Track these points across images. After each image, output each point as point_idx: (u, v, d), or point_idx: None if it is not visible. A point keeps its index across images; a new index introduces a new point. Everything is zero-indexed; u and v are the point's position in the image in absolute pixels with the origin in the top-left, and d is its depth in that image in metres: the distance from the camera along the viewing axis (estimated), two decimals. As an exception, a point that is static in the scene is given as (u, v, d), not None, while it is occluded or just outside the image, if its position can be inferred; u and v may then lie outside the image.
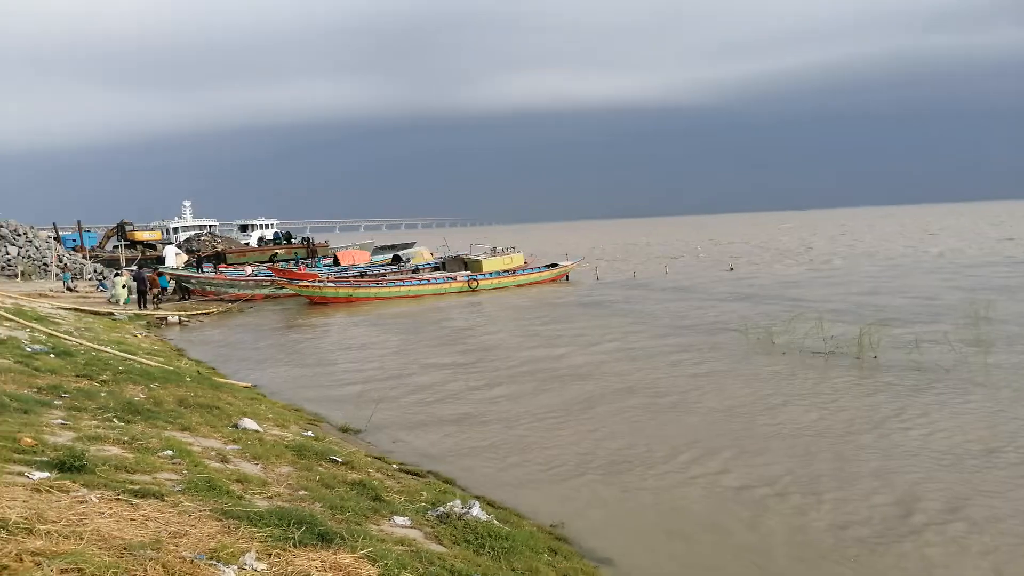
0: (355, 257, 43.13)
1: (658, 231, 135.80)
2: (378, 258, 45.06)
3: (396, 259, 42.51)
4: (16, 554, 3.73)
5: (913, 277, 30.96)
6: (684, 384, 13.51)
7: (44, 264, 40.63)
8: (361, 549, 4.62)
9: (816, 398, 12.09)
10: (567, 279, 36.81)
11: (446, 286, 33.49)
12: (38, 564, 3.66)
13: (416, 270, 38.26)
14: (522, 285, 34.71)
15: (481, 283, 33.87)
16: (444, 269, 37.34)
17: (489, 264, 35.92)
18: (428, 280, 34.35)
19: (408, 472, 8.76)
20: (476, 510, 6.35)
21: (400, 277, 35.75)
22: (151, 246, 53.05)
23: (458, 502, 6.56)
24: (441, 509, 6.43)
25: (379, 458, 9.27)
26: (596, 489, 8.47)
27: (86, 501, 4.92)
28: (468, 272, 35.27)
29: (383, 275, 36.73)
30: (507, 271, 35.77)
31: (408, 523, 6.03)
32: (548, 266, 37.44)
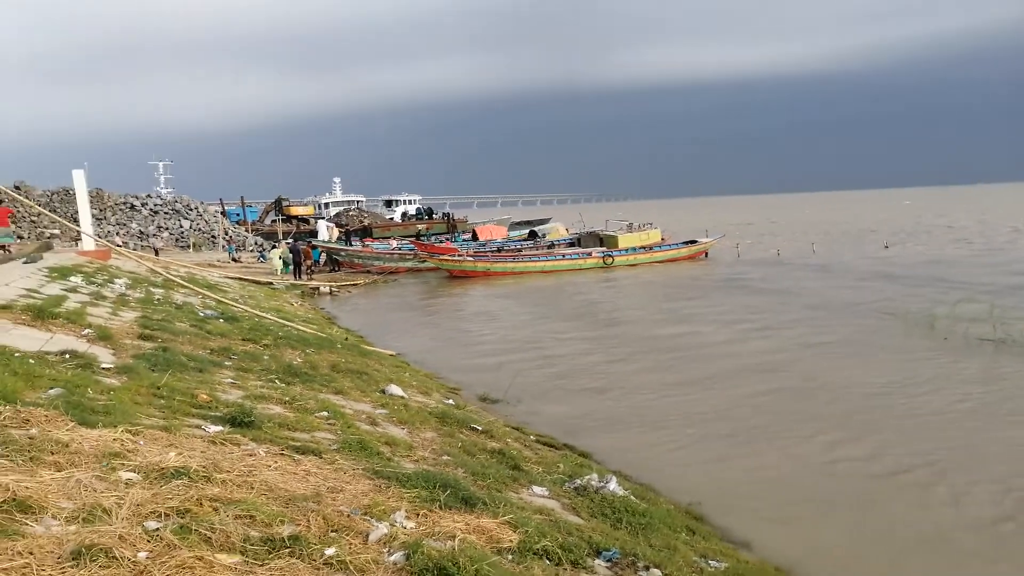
0: (493, 232, 43.92)
1: (805, 207, 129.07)
2: (515, 233, 45.65)
3: (532, 234, 42.90)
4: (197, 499, 4.14)
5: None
6: (829, 366, 12.89)
7: (212, 236, 44.19)
8: (503, 515, 4.77)
9: (984, 387, 11.18)
10: (706, 256, 35.81)
11: (581, 262, 33.47)
12: (216, 509, 4.04)
13: (551, 246, 38.45)
14: (659, 262, 34.11)
15: (616, 259, 33.58)
16: (579, 245, 37.30)
17: (625, 240, 35.52)
18: (563, 256, 34.46)
19: (545, 443, 8.92)
20: (613, 485, 6.39)
21: (536, 252, 36.08)
22: (304, 220, 56.31)
23: (595, 475, 6.61)
24: (578, 481, 6.51)
25: (517, 428, 9.49)
26: (734, 469, 8.29)
27: (255, 454, 5.36)
28: (603, 248, 35.05)
29: (519, 250, 37.19)
30: (643, 247, 35.25)
31: (546, 493, 6.16)
32: (686, 243, 36.54)
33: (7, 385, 5.61)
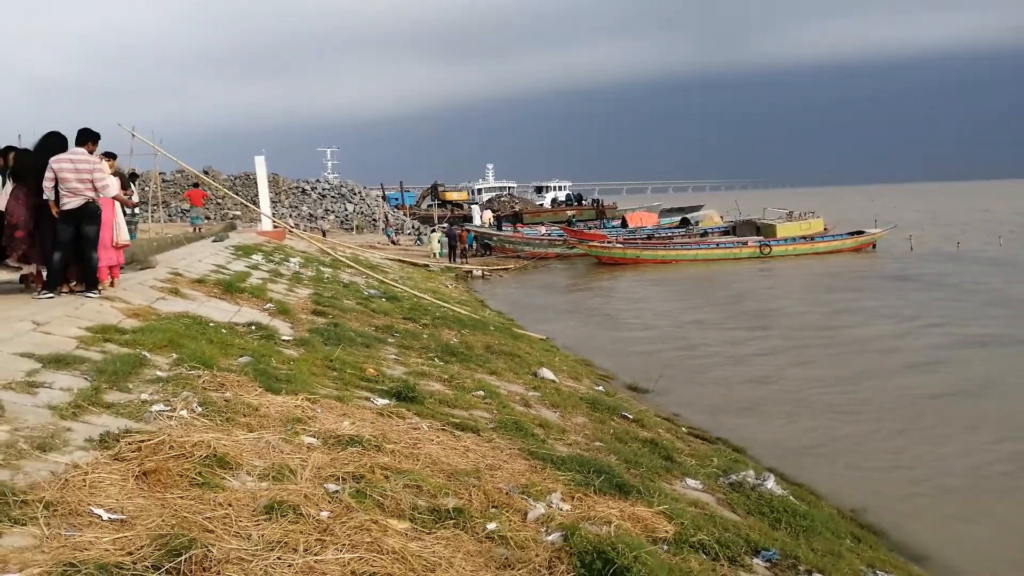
0: (643, 219, 43.31)
1: (992, 196, 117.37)
2: (666, 221, 44.78)
3: (684, 222, 41.90)
4: (370, 466, 4.42)
5: None
6: (1006, 368, 11.72)
7: (373, 219, 46.54)
8: (658, 505, 4.75)
9: None
10: (874, 248, 33.49)
11: (736, 251, 32.31)
12: (386, 477, 4.30)
13: (704, 234, 37.38)
14: (821, 253, 32.27)
15: (774, 249, 32.12)
16: (734, 234, 36.02)
17: (784, 229, 33.91)
18: (717, 244, 33.42)
19: (697, 436, 8.76)
20: (771, 483, 6.19)
21: (688, 240, 35.23)
22: (459, 205, 58.03)
23: (751, 472, 6.43)
24: (733, 477, 6.35)
25: (667, 419, 9.38)
26: (902, 476, 7.79)
27: (418, 428, 5.65)
28: (760, 237, 33.64)
29: (670, 238, 36.46)
30: (804, 237, 33.48)
31: (700, 486, 6.06)
32: (852, 233, 34.30)
33: (205, 352, 6.23)
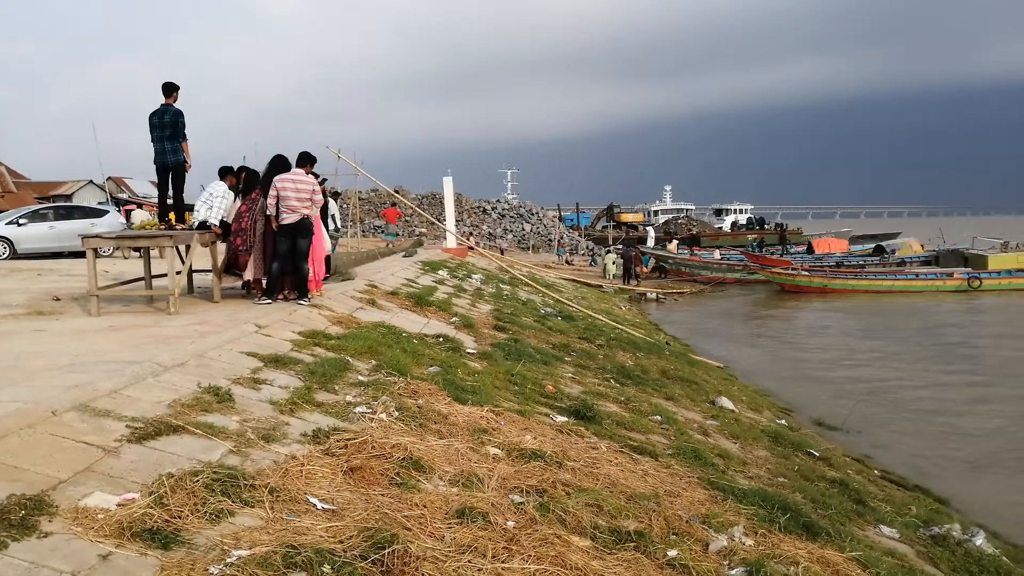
0: (831, 245, 40.77)
1: None
2: (857, 248, 41.88)
3: (879, 250, 38.96)
4: (552, 482, 4.53)
5: None
6: None
7: (549, 239, 47.39)
8: (850, 550, 4.48)
9: None
10: (1108, 284, 29.36)
11: (939, 283, 29.56)
12: (567, 494, 4.39)
13: (902, 263, 34.56)
14: (1042, 289, 28.77)
15: (985, 282, 29.04)
16: (937, 264, 32.99)
17: (997, 261, 30.57)
18: (916, 275, 30.77)
19: (892, 481, 8.12)
20: (980, 539, 5.62)
21: (882, 270, 32.72)
22: (634, 227, 57.74)
23: (957, 526, 5.88)
24: (936, 529, 5.83)
25: (858, 460, 8.77)
26: None
27: (597, 448, 5.71)
28: (968, 269, 30.57)
29: (862, 266, 34.05)
30: (1022, 270, 30.03)
31: (896, 536, 5.63)
32: (1083, 267, 30.28)
33: (400, 360, 6.67)
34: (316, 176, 10.82)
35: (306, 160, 8.74)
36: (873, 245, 41.23)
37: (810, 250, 40.08)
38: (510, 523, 3.79)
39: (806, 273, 30.89)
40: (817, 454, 7.92)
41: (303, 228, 8.60)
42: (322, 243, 9.52)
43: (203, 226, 8.92)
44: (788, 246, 44.38)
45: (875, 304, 26.34)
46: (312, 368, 5.86)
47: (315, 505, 3.58)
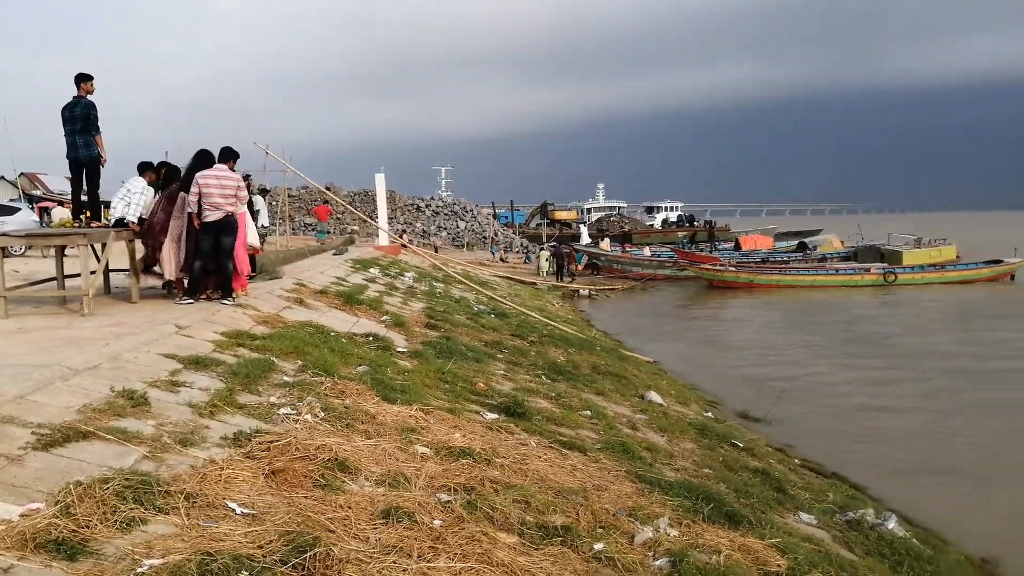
0: (757, 242, 42.05)
1: None
2: (782, 244, 43.30)
3: (802, 246, 40.38)
4: (480, 479, 4.52)
5: None
6: None
7: (484, 237, 47.37)
8: (770, 537, 4.61)
9: None
10: (1012, 279, 31.13)
11: (857, 278, 30.79)
12: (496, 491, 4.39)
13: (823, 259, 35.89)
14: (952, 282, 30.30)
15: (900, 277, 30.40)
16: (856, 259, 34.38)
17: (911, 257, 32.08)
18: (836, 270, 31.98)
19: (811, 469, 8.41)
20: (892, 523, 5.88)
21: (805, 265, 33.92)
22: (567, 224, 58.22)
23: (871, 511, 6.13)
24: (851, 514, 6.07)
25: (780, 450, 9.06)
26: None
27: (526, 444, 5.72)
28: (884, 264, 31.95)
29: (786, 262, 35.23)
30: (933, 265, 31.55)
31: (814, 522, 5.83)
32: (988, 262, 32.01)
33: (327, 360, 6.56)
34: (240, 172, 10.56)
35: (229, 156, 8.51)
36: (796, 242, 42.71)
37: (737, 247, 41.24)
38: (437, 522, 3.77)
39: (733, 269, 31.73)
40: (741, 445, 8.14)
41: (227, 225, 8.37)
42: (247, 241, 9.28)
43: (120, 223, 8.59)
44: (716, 243, 45.54)
45: (798, 298, 27.26)
46: (235, 369, 5.71)
47: (234, 510, 3.48)
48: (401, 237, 33.72)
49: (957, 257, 32.97)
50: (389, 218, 40.77)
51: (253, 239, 9.58)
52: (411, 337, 9.40)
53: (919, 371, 14.31)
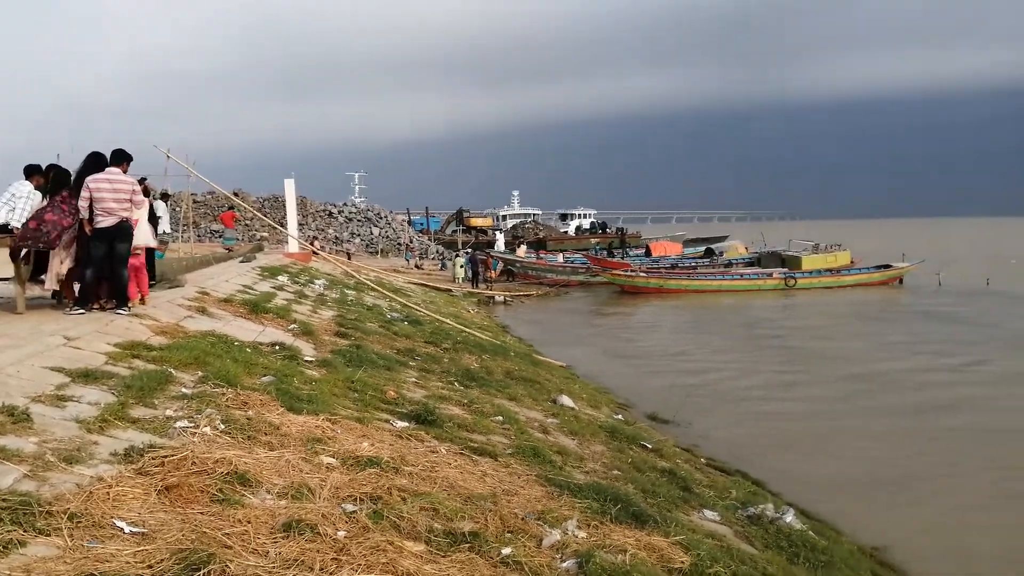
0: (667, 248, 43.27)
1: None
2: (690, 250, 44.68)
3: (709, 252, 41.79)
4: (387, 488, 4.46)
5: None
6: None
7: (398, 244, 46.92)
8: (674, 535, 4.72)
9: None
10: (900, 283, 33.11)
11: (760, 282, 32.12)
12: (403, 499, 4.34)
13: (729, 264, 37.23)
14: (847, 286, 31.97)
15: (799, 282, 31.87)
16: (759, 265, 35.82)
17: (810, 262, 33.66)
18: (741, 275, 33.26)
19: (716, 468, 8.69)
20: (790, 517, 6.12)
21: (712, 271, 35.12)
22: (483, 231, 58.35)
23: (771, 506, 6.36)
24: (752, 510, 6.29)
25: (687, 449, 9.32)
26: (926, 515, 7.65)
27: (437, 451, 5.68)
28: (785, 269, 33.42)
29: (694, 267, 36.37)
30: (830, 270, 33.21)
31: (717, 518, 6.01)
32: (879, 267, 33.96)
33: (230, 370, 6.33)
34: (135, 175, 10.08)
35: (122, 158, 8.11)
36: (704, 248, 44.13)
37: (648, 253, 42.33)
38: (341, 533, 3.68)
39: (644, 275, 32.54)
40: (650, 446, 8.32)
41: (122, 232, 7.98)
42: (139, 241, 8.84)
43: (3, 229, 8.07)
44: (627, 249, 46.58)
45: (705, 302, 28.18)
46: (129, 382, 5.43)
47: (123, 529, 3.31)
48: (312, 244, 33.03)
49: (851, 262, 34.80)
50: (300, 224, 39.87)
51: (146, 240, 9.10)
52: (320, 346, 9.20)
53: (817, 372, 15.01)
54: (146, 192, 9.69)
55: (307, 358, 8.18)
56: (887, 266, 33.93)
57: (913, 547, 6.76)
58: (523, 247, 42.71)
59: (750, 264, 36.71)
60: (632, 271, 33.19)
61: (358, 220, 48.99)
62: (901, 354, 16.71)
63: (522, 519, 4.51)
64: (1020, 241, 74.50)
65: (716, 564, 4.48)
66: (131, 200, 7.98)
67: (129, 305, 8.10)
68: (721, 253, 40.87)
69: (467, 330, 14.54)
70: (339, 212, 49.41)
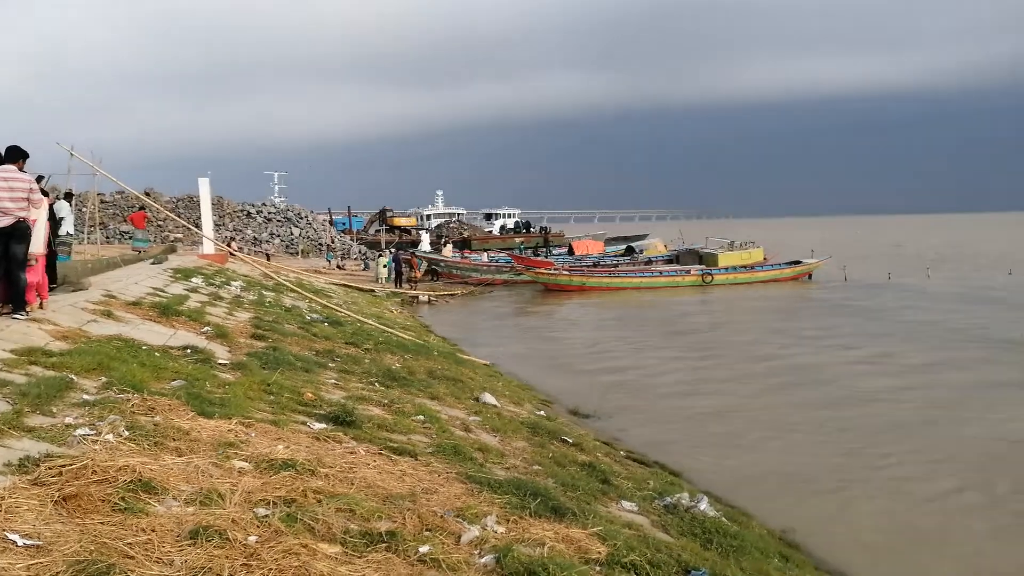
0: (589, 247, 43.88)
1: (928, 229, 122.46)
2: (612, 249, 45.45)
3: (629, 250, 42.60)
4: (302, 490, 4.38)
5: None
6: (944, 398, 12.22)
7: (320, 244, 46.08)
8: (592, 527, 4.80)
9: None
10: (810, 278, 34.56)
11: (679, 279, 32.96)
12: (319, 501, 4.27)
13: (649, 262, 38.07)
14: (760, 282, 33.16)
15: (716, 278, 32.88)
16: (678, 262, 36.75)
17: (725, 259, 34.75)
18: (660, 272, 34.05)
19: (635, 460, 8.86)
20: (704, 504, 6.30)
21: (632, 268, 35.83)
22: (407, 231, 57.89)
23: (686, 495, 6.54)
24: (668, 499, 6.45)
25: (607, 443, 9.47)
26: (830, 499, 8.02)
27: (355, 452, 5.61)
28: (702, 266, 34.41)
29: (616, 266, 37.03)
30: (744, 267, 34.37)
31: (635, 509, 6.14)
32: (790, 263, 35.36)
33: (136, 375, 6.08)
34: (31, 173, 9.56)
35: (17, 155, 7.69)
36: (625, 246, 44.98)
37: (571, 252, 42.84)
38: (252, 538, 3.59)
39: (567, 273, 32.93)
40: (570, 440, 8.43)
41: (19, 232, 7.56)
42: (45, 249, 8.42)
43: None
44: (551, 248, 47.01)
45: (627, 299, 28.74)
46: (24, 389, 5.16)
47: (15, 542, 3.14)
48: (229, 245, 32.07)
49: (764, 259, 36.10)
50: (217, 225, 38.67)
51: (37, 246, 8.58)
52: (235, 348, 8.95)
53: (733, 366, 15.50)
54: (44, 191, 9.22)
55: (221, 361, 7.95)
56: (797, 262, 35.36)
57: (816, 529, 7.08)
58: (449, 246, 42.59)
59: (669, 261, 37.62)
60: (555, 270, 33.54)
61: (277, 220, 47.88)
62: (811, 347, 17.42)
63: (441, 517, 4.50)
64: (924, 236, 78.86)
65: (632, 553, 4.58)
66: (28, 199, 7.58)
67: (27, 309, 7.68)
68: (641, 251, 41.74)
69: (389, 330, 14.41)
70: (258, 212, 48.18)
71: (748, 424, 10.93)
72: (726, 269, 33.79)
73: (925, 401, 12.02)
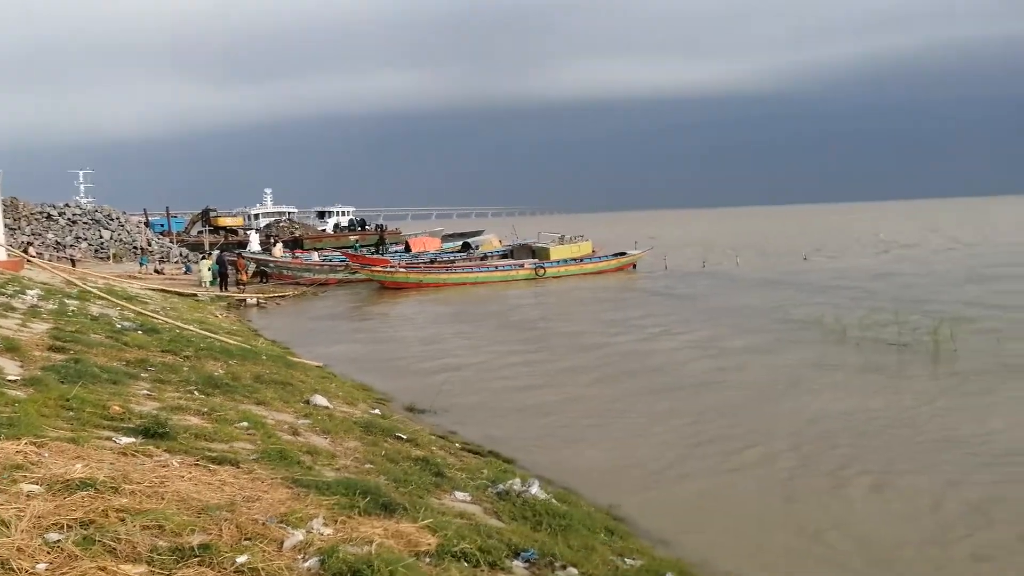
0: (426, 244, 43.80)
1: (734, 221, 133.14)
2: (448, 245, 45.63)
3: (465, 246, 42.97)
4: (103, 510, 4.03)
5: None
6: (753, 375, 13.35)
7: (134, 247, 42.71)
8: (422, 520, 4.79)
9: (887, 392, 11.78)
10: (635, 268, 36.53)
11: (513, 273, 33.69)
12: (122, 520, 3.94)
13: (484, 257, 38.61)
14: (589, 273, 34.61)
15: (548, 271, 33.92)
16: (512, 257, 37.54)
17: (557, 252, 35.92)
18: (496, 267, 34.63)
19: (470, 451, 8.95)
20: (535, 489, 6.47)
21: (469, 264, 36.16)
22: (233, 231, 55.00)
23: (518, 480, 6.68)
24: (501, 487, 6.57)
25: (443, 437, 9.50)
26: (652, 475, 8.53)
27: (168, 465, 5.24)
28: (535, 260, 35.37)
29: (452, 262, 37.22)
30: (574, 259, 35.70)
31: (468, 498, 6.20)
32: (616, 255, 37.19)
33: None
34: None
35: None
36: (461, 242, 45.32)
37: (407, 249, 42.54)
38: (41, 566, 3.26)
39: (403, 270, 32.69)
40: (405, 437, 8.37)
41: None
42: None
43: None
44: (387, 245, 46.45)
45: (464, 294, 28.98)
46: None
47: None
48: (26, 251, 28.99)
49: (593, 252, 37.69)
50: (11, 228, 34.86)
51: None
52: (28, 363, 8.10)
53: (563, 354, 16.07)
54: None
55: (10, 377, 7.16)
56: (622, 253, 37.24)
57: (640, 503, 7.49)
58: (279, 246, 40.91)
59: (504, 256, 38.33)
60: (392, 267, 33.19)
61: (84, 222, 43.85)
62: (638, 335, 18.38)
63: (263, 524, 4.30)
64: (733, 227, 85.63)
65: (463, 541, 4.61)
66: None
67: None
68: (477, 247, 42.21)
69: (212, 336, 13.63)
70: (60, 214, 43.85)
71: (582, 412, 11.34)
72: (557, 262, 34.93)
73: (741, 383, 12.98)
